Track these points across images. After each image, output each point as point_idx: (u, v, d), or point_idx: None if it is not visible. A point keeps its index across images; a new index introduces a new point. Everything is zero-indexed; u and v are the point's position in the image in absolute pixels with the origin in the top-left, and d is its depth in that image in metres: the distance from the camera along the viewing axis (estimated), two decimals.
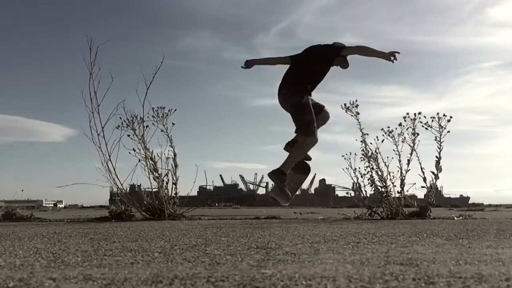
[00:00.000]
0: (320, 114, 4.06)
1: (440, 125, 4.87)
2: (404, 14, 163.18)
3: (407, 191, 5.07)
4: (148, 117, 5.06)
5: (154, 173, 5.00)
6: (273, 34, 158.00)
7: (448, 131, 4.87)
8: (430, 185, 4.93)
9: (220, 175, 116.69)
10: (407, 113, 4.94)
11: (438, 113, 4.88)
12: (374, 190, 5.09)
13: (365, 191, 5.17)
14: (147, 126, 5.05)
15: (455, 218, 4.78)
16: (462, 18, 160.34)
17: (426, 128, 4.91)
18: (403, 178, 4.97)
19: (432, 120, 4.89)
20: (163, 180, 4.98)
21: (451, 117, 4.87)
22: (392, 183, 4.99)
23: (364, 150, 5.10)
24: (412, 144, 4.94)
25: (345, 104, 5.21)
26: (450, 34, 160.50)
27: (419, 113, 4.92)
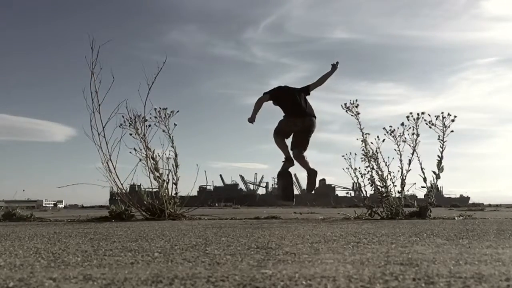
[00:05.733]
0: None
1: (444, 124, 4.87)
2: (398, 7, 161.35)
3: (407, 191, 5.07)
4: (150, 118, 5.08)
5: (155, 172, 5.01)
6: (262, 29, 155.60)
7: (452, 131, 4.87)
8: (431, 185, 4.93)
9: (220, 175, 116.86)
10: (410, 113, 4.93)
11: (442, 112, 4.88)
12: (374, 190, 5.09)
13: (365, 191, 5.17)
14: (149, 126, 5.06)
15: (455, 218, 4.78)
16: (456, 12, 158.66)
17: (430, 127, 4.90)
18: (404, 178, 4.96)
19: (437, 119, 4.89)
20: (164, 180, 4.98)
21: (455, 116, 4.87)
22: (393, 183, 4.99)
23: (365, 150, 5.10)
24: (413, 144, 4.93)
25: (345, 104, 5.21)
26: (444, 29, 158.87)
27: (423, 113, 4.92)
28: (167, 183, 5.00)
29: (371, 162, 5.06)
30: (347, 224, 3.75)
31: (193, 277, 1.21)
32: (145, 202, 4.93)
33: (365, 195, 5.18)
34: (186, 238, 2.43)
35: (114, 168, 4.98)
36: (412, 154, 4.93)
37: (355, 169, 5.16)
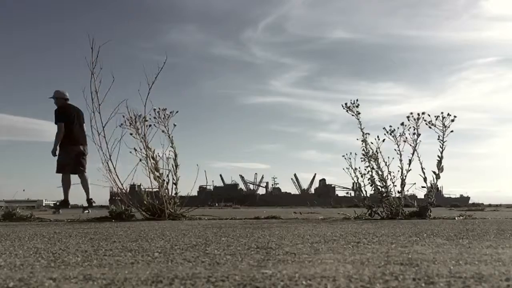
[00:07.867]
0: None
1: (444, 124, 4.87)
2: (398, 7, 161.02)
3: (407, 191, 5.07)
4: (150, 118, 5.08)
5: (155, 172, 5.01)
6: (261, 29, 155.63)
7: (452, 131, 4.87)
8: (431, 184, 4.93)
9: (220, 175, 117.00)
10: (411, 113, 4.93)
11: (442, 112, 4.88)
12: (374, 190, 5.09)
13: (365, 191, 5.17)
14: (149, 126, 5.06)
15: (455, 218, 4.78)
16: (456, 11, 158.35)
17: (430, 127, 4.90)
18: (404, 178, 4.96)
19: (436, 119, 4.89)
20: (164, 180, 4.98)
21: (455, 116, 4.86)
22: (393, 182, 4.99)
23: (365, 149, 5.10)
24: (413, 144, 4.93)
25: (345, 104, 5.21)
26: (444, 28, 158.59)
27: (423, 113, 4.91)
28: (167, 183, 5.01)
29: (371, 162, 5.06)
30: (347, 224, 3.75)
31: (193, 277, 1.21)
32: (145, 202, 4.93)
33: (365, 195, 5.17)
34: (186, 238, 2.43)
35: (114, 168, 4.98)
36: (413, 154, 4.93)
37: (355, 169, 5.16)
